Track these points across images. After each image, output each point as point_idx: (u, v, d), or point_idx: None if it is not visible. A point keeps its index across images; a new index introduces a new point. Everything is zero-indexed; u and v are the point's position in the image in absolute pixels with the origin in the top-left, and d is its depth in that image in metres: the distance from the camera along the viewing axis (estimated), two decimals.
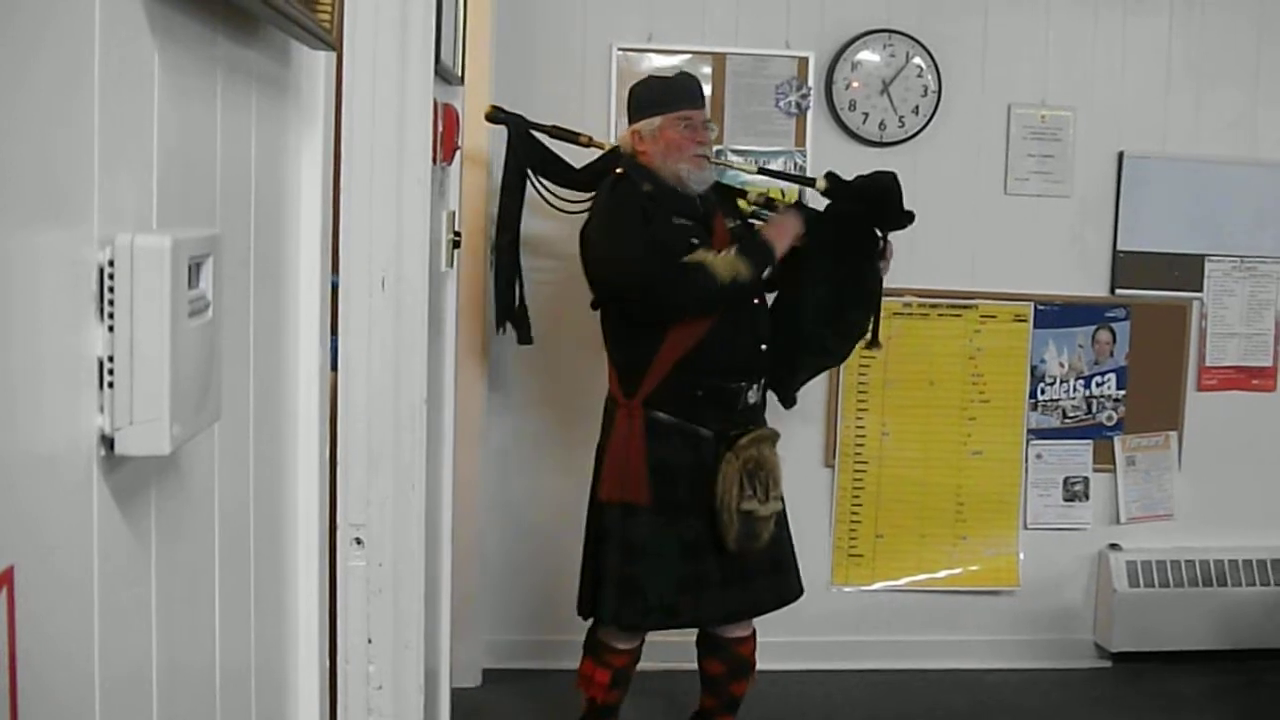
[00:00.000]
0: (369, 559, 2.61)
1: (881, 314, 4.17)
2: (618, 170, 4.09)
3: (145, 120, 1.17)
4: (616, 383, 4.04)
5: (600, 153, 4.33)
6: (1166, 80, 5.38)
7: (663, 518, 3.97)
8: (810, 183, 4.06)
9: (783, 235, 3.99)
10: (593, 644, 4.18)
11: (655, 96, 4.06)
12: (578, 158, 4.40)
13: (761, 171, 4.24)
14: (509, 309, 4.50)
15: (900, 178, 4.08)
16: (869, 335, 4.15)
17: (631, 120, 4.08)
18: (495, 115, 4.38)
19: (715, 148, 4.22)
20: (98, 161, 1.05)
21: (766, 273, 3.93)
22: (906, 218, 3.97)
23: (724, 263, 3.84)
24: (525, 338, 4.53)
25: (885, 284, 4.16)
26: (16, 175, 0.91)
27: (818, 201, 4.18)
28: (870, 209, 3.98)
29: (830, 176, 4.04)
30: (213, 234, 1.23)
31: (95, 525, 1.06)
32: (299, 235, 1.79)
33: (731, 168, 4.04)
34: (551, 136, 4.39)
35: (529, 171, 4.35)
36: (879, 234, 4.04)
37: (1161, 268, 5.43)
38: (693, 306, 3.88)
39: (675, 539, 3.97)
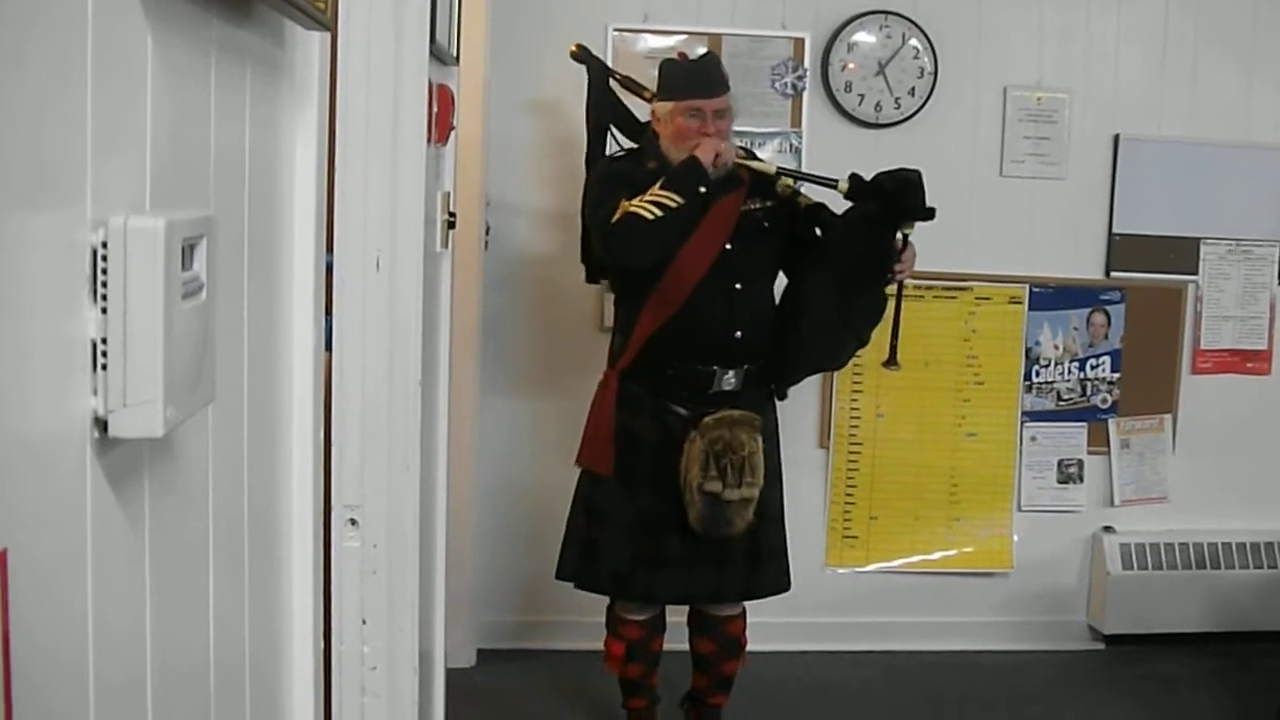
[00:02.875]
0: (363, 540, 2.62)
1: (900, 330, 4.07)
2: (633, 146, 4.17)
3: (138, 101, 1.16)
4: (609, 353, 4.14)
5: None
6: (1162, 63, 5.38)
7: (625, 489, 4.04)
8: (833, 184, 4.00)
9: (706, 149, 3.87)
10: (609, 618, 4.28)
11: (672, 80, 4.04)
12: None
13: (781, 172, 4.16)
14: (586, 251, 4.35)
15: (895, 160, 4.06)
16: (887, 355, 4.08)
17: (656, 97, 4.09)
18: (579, 55, 4.33)
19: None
20: (90, 143, 1.04)
21: (703, 189, 3.83)
22: (927, 211, 3.89)
23: (648, 202, 3.79)
24: (593, 278, 4.40)
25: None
26: (9, 157, 0.90)
27: (833, 202, 4.13)
28: (889, 199, 3.93)
29: (853, 178, 3.98)
30: (206, 215, 1.23)
31: (89, 508, 1.06)
32: (293, 216, 1.79)
33: (753, 169, 4.00)
34: (623, 87, 4.38)
35: (610, 125, 4.32)
36: (898, 234, 3.92)
37: (1157, 250, 5.43)
38: (640, 254, 3.85)
39: (634, 511, 4.04)
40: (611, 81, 4.35)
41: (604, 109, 4.31)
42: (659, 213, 3.78)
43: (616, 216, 3.82)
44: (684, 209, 3.80)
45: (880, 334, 4.13)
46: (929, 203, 3.86)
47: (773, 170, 4.09)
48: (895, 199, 3.88)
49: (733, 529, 3.96)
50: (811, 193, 4.16)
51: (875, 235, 3.92)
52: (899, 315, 4.05)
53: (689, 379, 3.97)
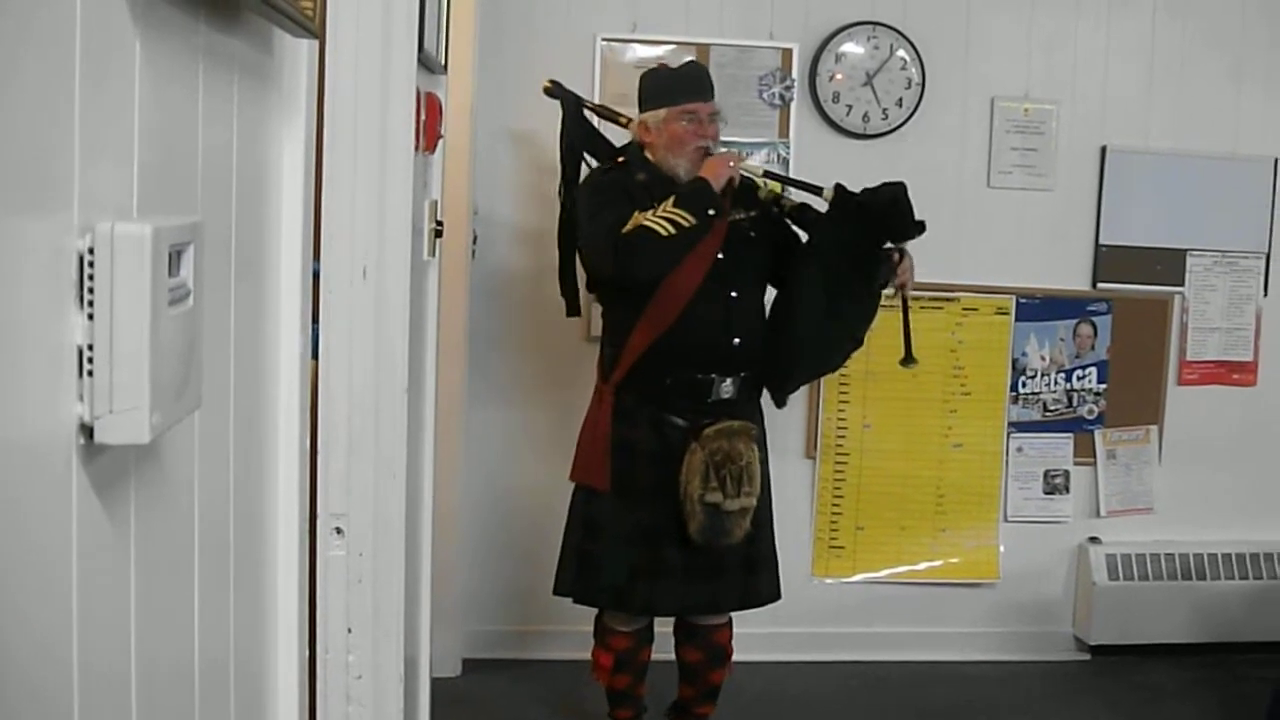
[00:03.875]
0: (349, 548, 2.61)
1: (912, 330, 4.11)
2: (619, 159, 4.14)
3: (126, 108, 1.16)
4: (599, 367, 4.12)
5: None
6: (1149, 75, 5.39)
7: (623, 502, 4.03)
8: (818, 191, 4.03)
9: (717, 172, 3.92)
10: (597, 629, 4.28)
11: (662, 88, 4.06)
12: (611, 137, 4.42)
13: (767, 174, 4.22)
14: (566, 283, 4.38)
15: (883, 170, 4.07)
16: (903, 353, 4.10)
17: (640, 109, 4.09)
18: (553, 90, 4.37)
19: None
20: (78, 149, 1.04)
21: (712, 212, 3.87)
22: (915, 228, 3.91)
23: (662, 219, 3.82)
24: (573, 311, 4.43)
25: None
26: None
27: (816, 202, 4.16)
28: (874, 223, 3.95)
29: (838, 189, 4.00)
30: (194, 222, 1.23)
31: (74, 514, 1.06)
32: (280, 223, 1.78)
33: (743, 170, 4.04)
34: (599, 116, 4.41)
35: (584, 152, 4.34)
36: (890, 246, 3.98)
37: (1143, 262, 5.45)
38: (648, 267, 3.86)
39: (633, 524, 4.02)
40: (586, 111, 4.38)
41: (578, 137, 4.33)
42: (672, 230, 3.81)
43: (629, 228, 3.83)
44: (695, 229, 3.84)
45: (874, 338, 4.16)
46: (917, 216, 3.88)
47: (759, 171, 4.13)
48: (880, 223, 3.91)
49: (731, 538, 3.96)
50: (794, 194, 4.19)
51: (862, 249, 3.95)
52: (908, 316, 4.09)
53: (688, 388, 3.97)
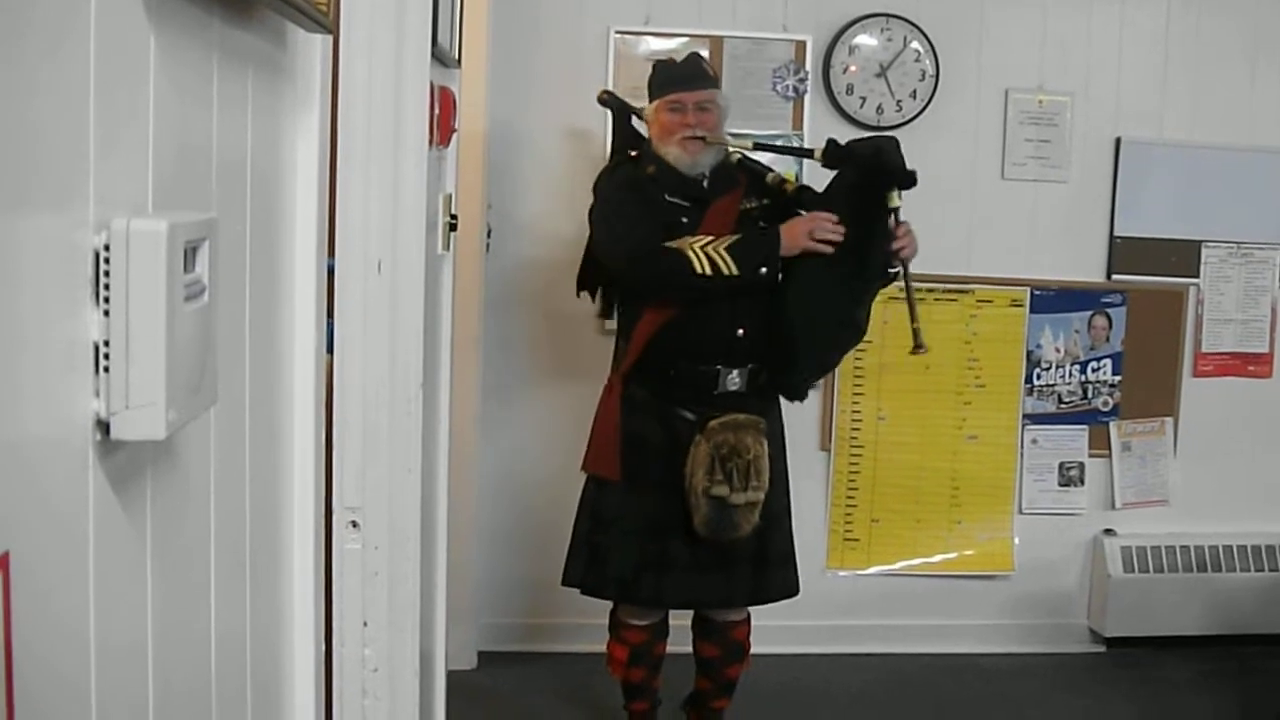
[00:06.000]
0: (365, 542, 2.61)
1: (918, 313, 3.91)
2: (633, 153, 4.17)
3: (141, 103, 1.16)
4: (612, 356, 4.13)
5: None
6: (1164, 66, 5.38)
7: (632, 493, 4.02)
8: (809, 154, 4.01)
9: (797, 236, 3.82)
10: (612, 623, 4.27)
11: (655, 81, 4.11)
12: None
13: (758, 146, 4.22)
14: (591, 280, 4.30)
15: None
16: (913, 342, 3.92)
17: (648, 101, 4.13)
18: (606, 100, 4.40)
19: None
20: (93, 145, 1.04)
21: (764, 270, 3.81)
22: (907, 174, 3.77)
23: (706, 254, 3.79)
24: (607, 313, 4.40)
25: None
26: (11, 159, 0.90)
27: (815, 175, 4.14)
28: (866, 162, 3.83)
29: (829, 143, 3.90)
30: (209, 218, 1.23)
31: (91, 510, 1.06)
32: (295, 218, 1.79)
33: (729, 146, 4.03)
34: (644, 122, 4.41)
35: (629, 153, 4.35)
36: (889, 209, 3.78)
37: (1158, 253, 5.43)
38: (666, 290, 3.88)
39: (641, 516, 4.01)
40: (634, 119, 4.41)
41: (626, 144, 4.33)
42: (708, 271, 3.79)
43: (672, 244, 3.81)
44: (732, 281, 3.80)
45: (885, 329, 4.12)
46: (915, 195, 3.80)
47: (749, 146, 4.12)
48: (872, 161, 3.81)
49: (738, 533, 3.94)
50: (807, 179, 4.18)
51: (859, 204, 3.83)
52: (912, 297, 3.91)
53: (693, 380, 3.96)
